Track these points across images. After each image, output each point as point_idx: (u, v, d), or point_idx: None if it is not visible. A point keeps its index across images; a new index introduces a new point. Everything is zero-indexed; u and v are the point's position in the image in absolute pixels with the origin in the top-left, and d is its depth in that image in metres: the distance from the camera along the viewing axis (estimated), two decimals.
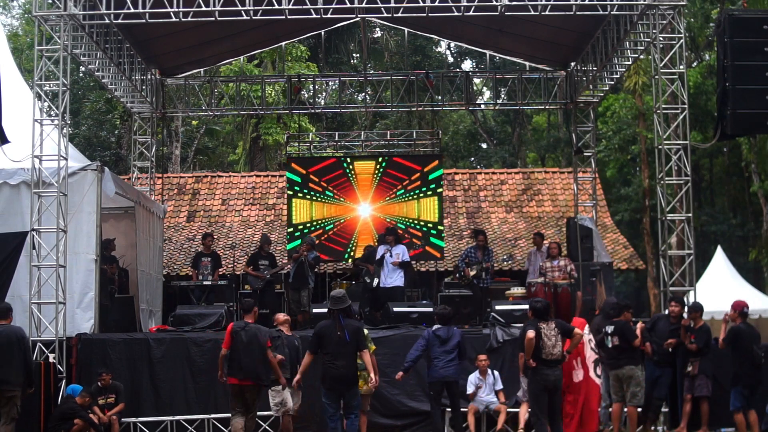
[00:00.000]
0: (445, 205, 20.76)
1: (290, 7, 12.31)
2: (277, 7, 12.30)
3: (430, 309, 13.08)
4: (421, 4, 12.37)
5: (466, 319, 13.55)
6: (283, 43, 21.27)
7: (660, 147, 12.60)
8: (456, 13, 12.55)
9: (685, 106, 12.64)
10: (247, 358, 9.59)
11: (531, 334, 9.21)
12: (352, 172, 17.92)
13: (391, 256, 14.21)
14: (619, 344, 10.41)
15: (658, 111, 12.69)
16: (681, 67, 13.01)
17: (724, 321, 10.84)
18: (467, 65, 36.03)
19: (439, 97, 19.04)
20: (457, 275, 14.73)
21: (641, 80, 26.33)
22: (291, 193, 18.04)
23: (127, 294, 14.44)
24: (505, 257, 16.15)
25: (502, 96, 17.94)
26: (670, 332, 11.18)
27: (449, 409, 10.95)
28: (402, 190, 17.82)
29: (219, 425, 11.63)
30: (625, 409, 10.57)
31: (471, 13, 12.52)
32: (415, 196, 17.82)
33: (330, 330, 9.41)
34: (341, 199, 17.86)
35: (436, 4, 12.40)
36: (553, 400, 9.36)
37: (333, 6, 12.53)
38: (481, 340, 11.95)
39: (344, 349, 9.32)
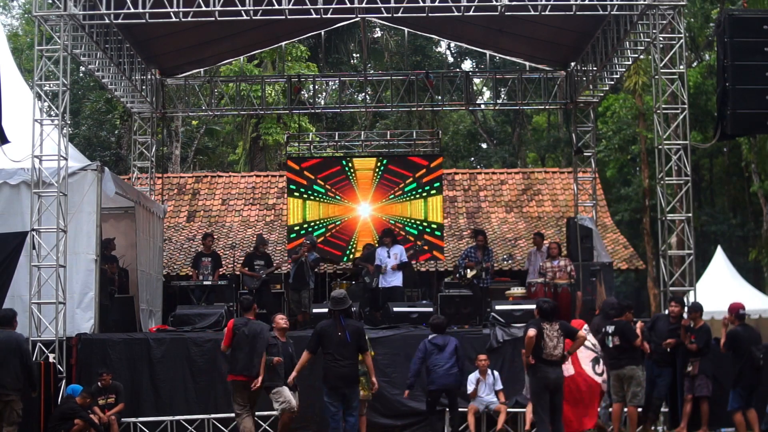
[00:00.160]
0: (445, 205, 20.76)
1: (290, 7, 12.30)
2: (277, 7, 12.30)
3: (430, 309, 13.10)
4: (421, 4, 12.37)
5: (466, 319, 13.54)
6: (283, 43, 21.27)
7: (660, 147, 12.60)
8: (456, 13, 12.54)
9: (685, 106, 12.64)
10: (251, 354, 9.54)
11: (531, 332, 9.21)
12: (352, 172, 17.92)
13: (388, 256, 14.26)
14: (619, 344, 10.41)
15: (658, 111, 12.69)
16: (681, 67, 13.01)
17: (723, 325, 10.85)
18: (467, 65, 36.07)
19: (439, 97, 19.03)
20: (457, 275, 14.73)
21: (641, 80, 26.33)
22: (291, 193, 18.04)
23: (127, 294, 14.44)
24: (505, 257, 16.14)
25: (502, 96, 17.94)
26: (669, 332, 11.18)
27: (448, 410, 10.96)
28: (402, 190, 17.81)
29: (219, 425, 11.63)
30: (626, 409, 10.57)
31: (471, 13, 12.52)
32: (415, 196, 17.81)
33: (331, 330, 9.42)
34: (341, 199, 17.86)
35: (436, 4, 12.40)
36: (554, 400, 9.35)
37: (333, 6, 12.53)
38: (481, 340, 11.96)
39: (345, 349, 9.32)
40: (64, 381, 11.49)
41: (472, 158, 38.08)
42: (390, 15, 12.84)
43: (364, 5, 12.52)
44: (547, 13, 12.50)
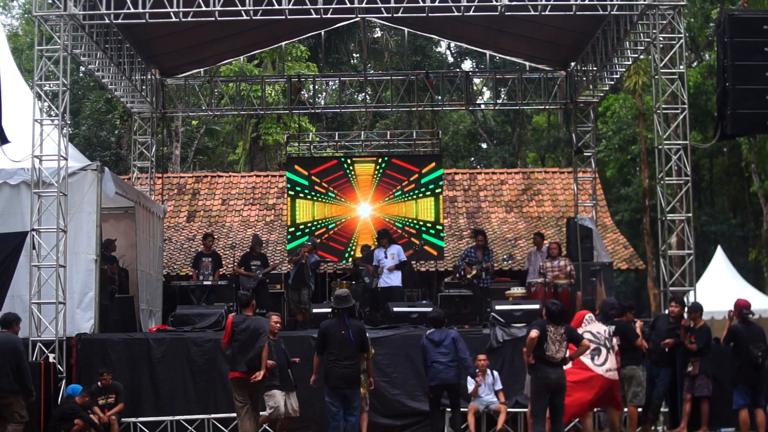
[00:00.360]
0: (445, 205, 20.78)
1: (290, 7, 12.30)
2: (277, 7, 12.30)
3: (430, 309, 13.08)
4: (421, 4, 12.37)
5: (466, 319, 13.54)
6: (283, 43, 21.27)
7: (660, 147, 12.60)
8: (456, 13, 12.54)
9: (685, 106, 12.64)
10: (250, 351, 9.46)
11: (534, 333, 9.20)
12: (352, 172, 17.93)
13: (386, 257, 14.27)
14: (620, 344, 10.40)
15: (658, 111, 12.69)
16: (681, 67, 13.01)
17: (728, 319, 10.84)
18: (467, 65, 36.06)
19: (439, 97, 19.04)
20: (457, 275, 14.73)
21: (641, 80, 26.33)
22: (291, 193, 18.05)
23: (127, 294, 14.44)
24: (505, 257, 16.14)
25: (502, 96, 17.94)
26: (668, 332, 11.19)
27: (449, 409, 10.94)
28: (401, 190, 17.82)
29: (219, 425, 11.63)
30: (625, 409, 10.56)
31: (471, 13, 12.52)
32: (415, 196, 17.82)
33: (334, 329, 9.42)
34: (341, 199, 17.86)
35: (436, 4, 12.40)
36: (555, 400, 9.35)
37: (333, 6, 12.53)
38: (481, 340, 11.95)
39: (348, 348, 9.32)
40: (64, 381, 11.49)
41: (472, 158, 38.07)
42: (390, 15, 12.84)
43: (364, 5, 12.52)
44: (547, 13, 12.50)
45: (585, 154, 17.93)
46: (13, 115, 11.35)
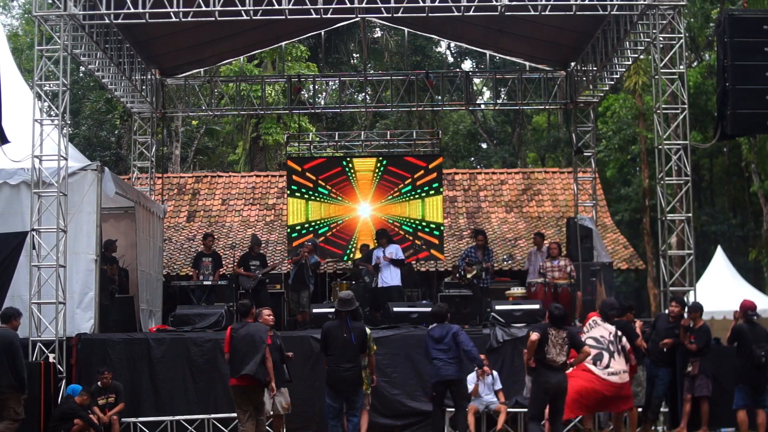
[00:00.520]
0: (445, 205, 20.78)
1: (290, 7, 12.30)
2: (277, 7, 12.29)
3: (430, 309, 13.08)
4: (421, 4, 12.36)
5: (466, 319, 13.55)
6: (283, 43, 21.28)
7: (660, 147, 12.60)
8: (456, 13, 12.54)
9: (685, 106, 12.64)
10: (245, 358, 9.40)
11: (534, 336, 9.20)
12: (352, 172, 17.93)
13: (385, 255, 14.29)
14: None
15: (658, 111, 12.69)
16: (681, 67, 13.01)
17: (735, 320, 10.83)
18: (467, 65, 36.06)
19: (439, 97, 19.03)
20: (457, 275, 14.74)
21: (641, 80, 26.33)
22: (291, 193, 18.05)
23: (127, 294, 14.44)
24: (505, 257, 16.14)
25: (502, 96, 17.94)
26: (666, 331, 11.20)
27: (449, 409, 10.94)
28: (401, 190, 17.82)
29: (219, 425, 11.62)
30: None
31: (471, 13, 12.52)
32: (415, 196, 17.82)
33: (336, 331, 9.42)
34: (341, 199, 17.87)
35: (436, 4, 12.39)
36: (555, 404, 9.35)
37: (333, 6, 12.53)
38: (481, 340, 11.93)
39: (349, 351, 9.32)
40: (64, 381, 11.48)
41: (472, 158, 38.08)
42: (390, 15, 12.83)
43: (364, 5, 12.52)
44: (547, 13, 12.50)
45: (585, 154, 17.93)
46: (13, 115, 11.36)
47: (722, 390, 11.07)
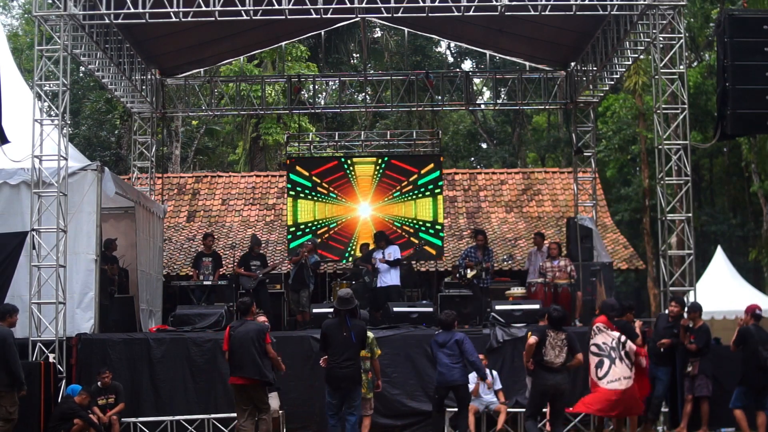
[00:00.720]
0: (445, 205, 20.78)
1: (290, 7, 12.30)
2: (277, 7, 12.29)
3: (430, 309, 13.11)
4: (421, 4, 12.36)
5: (466, 319, 13.54)
6: (283, 43, 21.27)
7: (660, 147, 12.60)
8: (456, 13, 12.54)
9: (685, 106, 12.64)
10: (243, 356, 9.39)
11: (532, 340, 9.25)
12: (352, 172, 17.94)
13: (384, 257, 14.29)
14: None
15: (658, 111, 12.69)
16: (681, 67, 13.01)
17: (738, 325, 10.80)
18: (467, 65, 36.07)
19: (439, 97, 19.02)
20: (457, 275, 14.74)
21: (641, 80, 26.34)
22: (291, 193, 18.06)
23: (127, 294, 14.44)
24: (505, 257, 16.14)
25: (502, 96, 17.94)
26: (665, 331, 11.20)
27: (449, 409, 10.94)
28: (401, 190, 17.83)
29: (219, 425, 11.62)
30: None
31: (471, 13, 12.52)
32: (415, 196, 17.83)
33: (335, 329, 9.43)
34: (341, 199, 17.87)
35: (436, 4, 12.39)
36: (554, 405, 9.36)
37: (333, 6, 12.53)
38: (481, 340, 11.93)
39: (349, 349, 9.32)
40: (64, 381, 11.49)
41: (472, 158, 38.08)
42: (390, 15, 12.83)
43: (364, 5, 12.52)
44: (547, 13, 12.50)
45: (585, 154, 17.93)
46: (13, 115, 11.36)
47: (722, 390, 11.06)
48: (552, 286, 13.64)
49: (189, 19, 12.51)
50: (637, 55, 15.43)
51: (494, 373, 11.49)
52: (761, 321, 10.88)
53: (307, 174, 17.90)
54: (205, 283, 14.62)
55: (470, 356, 10.15)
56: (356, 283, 15.10)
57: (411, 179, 17.84)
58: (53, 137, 11.97)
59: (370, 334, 9.98)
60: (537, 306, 12.67)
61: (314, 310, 13.15)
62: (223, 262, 15.29)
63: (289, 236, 17.97)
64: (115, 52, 14.43)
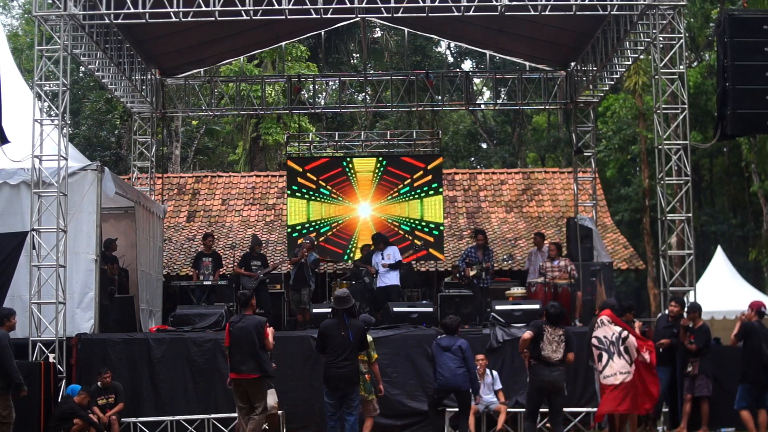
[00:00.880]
0: (445, 205, 20.78)
1: (290, 7, 12.30)
2: (277, 7, 12.29)
3: (430, 309, 13.10)
4: (421, 4, 12.36)
5: (466, 319, 13.53)
6: (283, 43, 21.27)
7: (660, 147, 12.60)
8: (456, 13, 12.54)
9: (685, 106, 12.64)
10: (240, 351, 9.41)
11: (526, 335, 9.30)
12: (352, 172, 17.94)
13: (383, 259, 14.28)
14: None
15: (658, 111, 12.69)
16: (681, 67, 13.01)
17: (739, 320, 10.72)
18: (467, 65, 36.07)
19: (439, 97, 19.02)
20: (457, 275, 14.73)
21: (641, 80, 26.34)
22: (291, 193, 18.06)
23: (127, 294, 14.43)
24: (505, 257, 16.13)
25: (502, 96, 17.93)
26: (664, 330, 11.20)
27: (449, 409, 10.94)
28: (402, 190, 17.83)
29: (219, 425, 11.62)
30: None
31: (471, 13, 12.52)
32: (415, 196, 17.82)
33: (333, 329, 9.42)
34: (341, 199, 17.88)
35: (436, 4, 12.39)
36: (552, 401, 9.37)
37: (333, 6, 12.53)
38: (481, 340, 11.95)
39: (347, 349, 9.32)
40: (64, 381, 11.49)
41: (472, 158, 38.08)
42: (390, 15, 12.83)
43: (364, 5, 12.52)
44: (547, 13, 12.50)
45: (585, 154, 17.93)
46: (13, 115, 11.35)
47: (722, 390, 11.05)
48: (552, 286, 13.64)
49: (189, 19, 12.51)
50: (637, 55, 15.43)
51: (494, 373, 11.49)
52: (762, 320, 10.85)
53: (307, 174, 17.89)
54: (205, 283, 14.61)
55: (472, 368, 10.23)
56: (356, 283, 15.10)
57: (411, 179, 17.83)
58: (53, 137, 11.97)
59: (369, 336, 9.97)
60: (537, 306, 12.66)
61: (314, 310, 13.14)
62: (223, 262, 15.29)
63: (292, 235, 17.94)
64: (115, 52, 14.43)
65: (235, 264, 14.86)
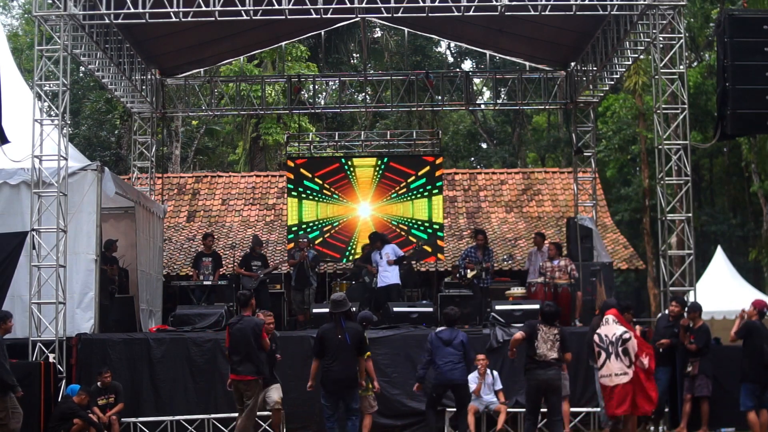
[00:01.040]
0: (445, 205, 20.77)
1: (290, 7, 12.30)
2: (277, 7, 12.29)
3: (430, 309, 13.10)
4: (421, 4, 12.36)
5: (466, 319, 13.54)
6: (283, 43, 21.27)
7: (660, 147, 12.60)
8: (456, 13, 12.54)
9: (685, 106, 12.64)
10: (238, 353, 9.49)
11: (518, 335, 9.35)
12: (352, 172, 17.93)
13: (381, 258, 14.28)
14: None
15: (658, 111, 12.69)
16: (681, 67, 13.01)
17: (740, 317, 10.68)
18: (467, 65, 36.07)
19: (439, 97, 19.02)
20: (457, 275, 14.73)
21: (641, 80, 26.34)
22: (291, 193, 18.05)
23: (127, 294, 14.44)
24: (505, 257, 16.13)
25: (502, 96, 17.93)
26: (665, 330, 11.19)
27: (449, 409, 10.94)
28: (402, 190, 17.82)
29: (219, 425, 11.63)
30: None
31: (471, 13, 12.52)
32: (415, 196, 17.82)
33: (331, 333, 9.43)
34: (341, 199, 17.87)
35: (436, 4, 12.39)
36: (549, 400, 9.37)
37: (333, 6, 12.53)
38: (481, 340, 11.95)
39: (344, 352, 9.32)
40: (64, 381, 11.49)
41: (472, 158, 38.08)
42: (390, 15, 12.83)
43: (364, 5, 12.52)
44: (547, 13, 12.50)
45: (585, 154, 17.93)
46: (13, 115, 11.36)
47: (722, 390, 11.05)
48: (552, 286, 13.63)
49: (189, 19, 12.51)
50: (637, 55, 15.43)
51: (494, 373, 11.49)
52: (763, 320, 10.84)
53: (307, 174, 17.88)
54: (205, 283, 14.63)
55: (471, 360, 10.36)
56: (356, 283, 15.11)
57: (411, 179, 17.82)
58: (53, 137, 11.97)
59: (365, 334, 9.95)
60: (537, 306, 12.63)
61: (314, 311, 13.15)
62: (223, 262, 15.29)
63: (291, 236, 17.94)
64: (115, 52, 14.43)
65: (235, 264, 14.86)
